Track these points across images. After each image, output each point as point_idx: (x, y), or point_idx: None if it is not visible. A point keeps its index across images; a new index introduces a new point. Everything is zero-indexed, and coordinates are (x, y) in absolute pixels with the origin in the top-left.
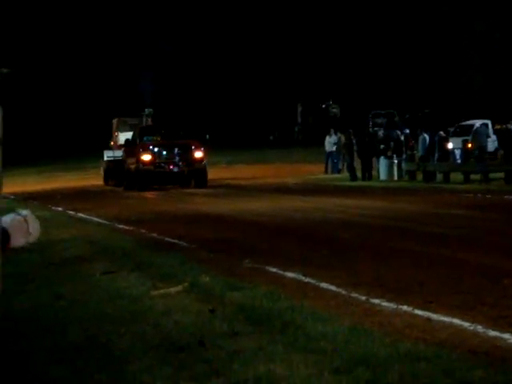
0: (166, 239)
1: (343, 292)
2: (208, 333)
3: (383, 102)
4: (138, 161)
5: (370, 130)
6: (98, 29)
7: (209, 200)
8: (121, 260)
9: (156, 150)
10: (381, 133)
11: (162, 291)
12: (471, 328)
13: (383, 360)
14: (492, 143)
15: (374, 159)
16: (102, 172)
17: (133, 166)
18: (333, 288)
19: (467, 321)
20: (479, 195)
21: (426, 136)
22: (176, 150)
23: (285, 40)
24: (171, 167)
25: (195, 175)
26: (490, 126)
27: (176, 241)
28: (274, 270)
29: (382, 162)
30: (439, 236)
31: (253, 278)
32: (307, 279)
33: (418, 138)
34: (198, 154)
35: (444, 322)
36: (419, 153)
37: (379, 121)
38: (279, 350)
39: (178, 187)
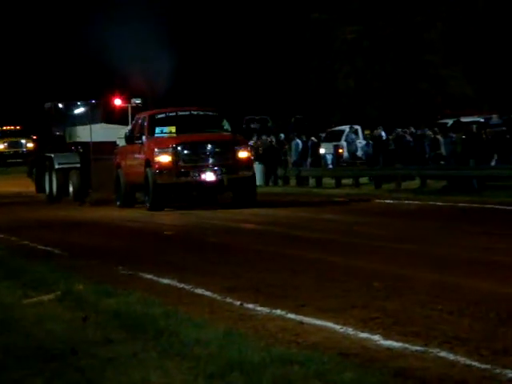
0: (39, 247)
1: (218, 297)
2: (81, 341)
3: (257, 107)
4: (151, 164)
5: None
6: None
7: (87, 207)
8: None
9: (181, 147)
10: (255, 138)
11: (33, 300)
12: (342, 330)
13: (257, 364)
14: (362, 148)
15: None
16: (39, 181)
17: (138, 172)
18: (208, 293)
19: (338, 323)
20: (350, 199)
21: (299, 141)
22: (210, 147)
23: (157, 43)
24: (203, 176)
25: (240, 187)
26: (359, 131)
27: (49, 248)
28: (149, 276)
29: (257, 168)
30: (311, 240)
31: (127, 284)
32: (182, 285)
33: (290, 144)
34: (244, 154)
35: (316, 325)
36: (292, 158)
37: (253, 126)
38: (153, 356)
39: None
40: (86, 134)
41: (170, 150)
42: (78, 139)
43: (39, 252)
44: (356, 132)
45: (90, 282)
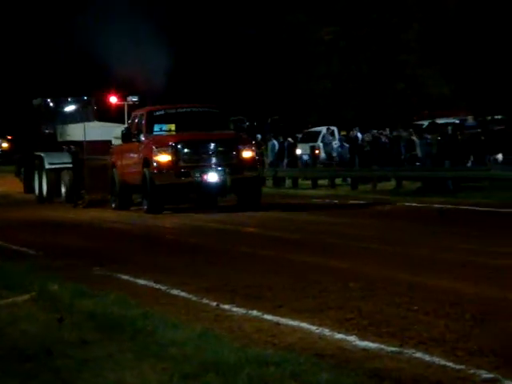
0: (13, 247)
1: (194, 298)
2: (56, 342)
3: (233, 107)
4: (149, 164)
5: None
6: None
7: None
8: None
9: (182, 145)
10: None
11: (8, 300)
12: (318, 331)
13: (232, 365)
14: (336, 150)
15: None
16: (27, 180)
17: (135, 172)
18: (184, 294)
19: (314, 324)
20: (327, 200)
21: (275, 142)
22: (212, 146)
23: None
24: (205, 176)
25: (244, 188)
26: (336, 132)
27: (24, 249)
28: (126, 277)
29: None
30: (288, 241)
31: (104, 285)
32: (158, 286)
33: (267, 144)
34: (248, 154)
35: (292, 326)
36: (269, 159)
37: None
38: (129, 357)
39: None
40: (78, 132)
41: (170, 148)
42: (70, 138)
43: (13, 252)
44: (332, 133)
45: (66, 282)
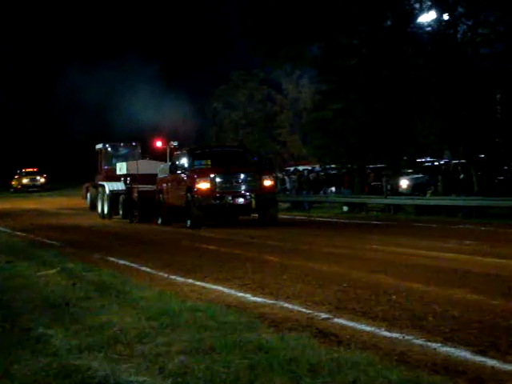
0: (46, 241)
1: (154, 272)
2: (72, 297)
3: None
4: (192, 190)
5: None
6: None
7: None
8: (17, 254)
9: (217, 176)
10: None
11: (43, 273)
12: (228, 292)
13: (177, 311)
14: None
15: None
16: (92, 202)
17: (179, 196)
18: (148, 270)
19: (226, 288)
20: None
21: None
22: (240, 176)
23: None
24: (236, 199)
25: (265, 208)
26: None
27: (53, 242)
28: (113, 259)
29: None
30: (213, 239)
31: (100, 264)
32: (132, 265)
33: None
34: (268, 183)
35: (213, 289)
36: None
37: None
38: (115, 307)
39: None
40: (133, 167)
41: (208, 178)
42: (126, 172)
43: (47, 244)
44: None
45: (77, 262)
